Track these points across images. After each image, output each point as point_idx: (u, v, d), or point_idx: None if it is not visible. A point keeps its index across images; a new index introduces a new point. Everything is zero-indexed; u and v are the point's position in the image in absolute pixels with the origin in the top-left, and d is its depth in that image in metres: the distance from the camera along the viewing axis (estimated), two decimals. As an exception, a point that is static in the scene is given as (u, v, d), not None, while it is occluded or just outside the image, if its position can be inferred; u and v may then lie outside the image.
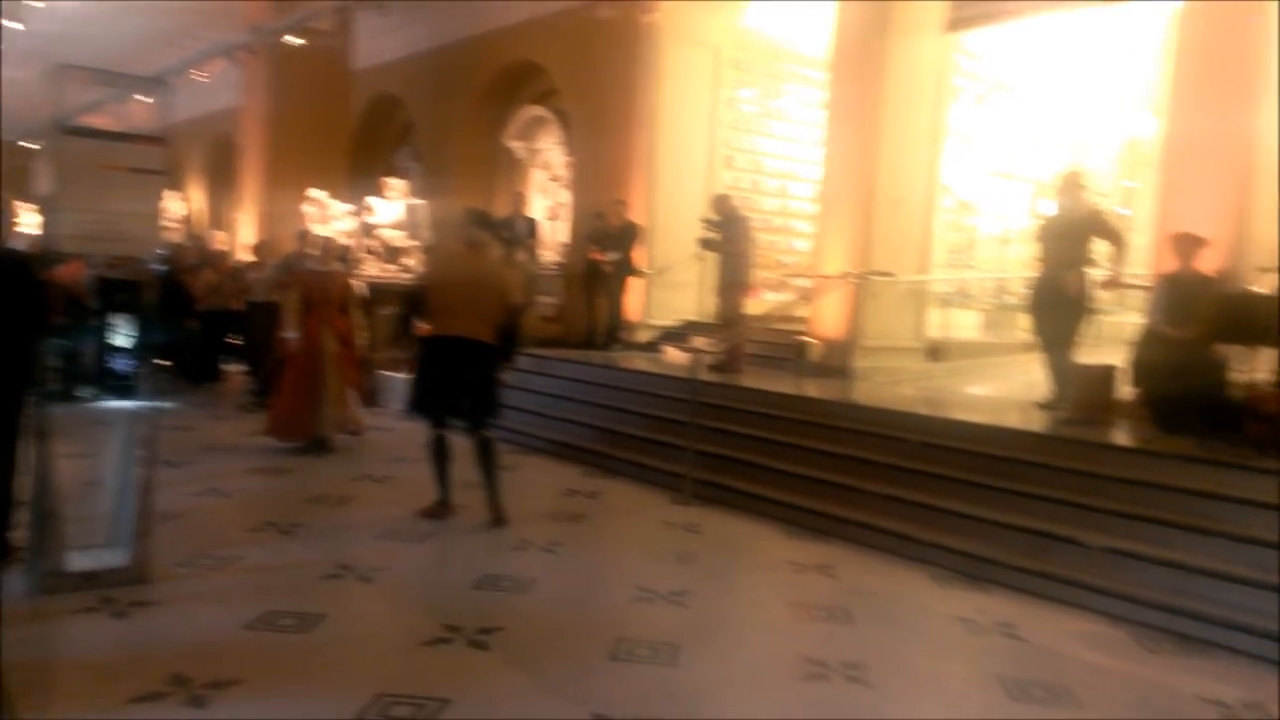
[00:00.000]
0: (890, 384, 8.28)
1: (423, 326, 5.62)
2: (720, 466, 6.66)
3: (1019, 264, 11.29)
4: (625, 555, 5.32)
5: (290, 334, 7.52)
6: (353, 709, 3.17)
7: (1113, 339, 8.49)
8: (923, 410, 6.82)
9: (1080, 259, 6.71)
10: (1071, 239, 6.70)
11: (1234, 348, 5.69)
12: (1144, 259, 7.37)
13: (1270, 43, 6.22)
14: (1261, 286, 6.02)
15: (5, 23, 15.51)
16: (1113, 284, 6.96)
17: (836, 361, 8.27)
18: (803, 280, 9.92)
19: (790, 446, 6.65)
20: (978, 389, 8.19)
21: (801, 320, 9.10)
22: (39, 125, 11.02)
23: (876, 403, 6.96)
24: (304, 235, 10.49)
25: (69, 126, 4.63)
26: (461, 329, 5.47)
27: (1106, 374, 6.35)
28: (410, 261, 11.54)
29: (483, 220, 5.84)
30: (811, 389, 7.86)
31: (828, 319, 8.87)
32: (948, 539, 5.30)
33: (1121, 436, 5.82)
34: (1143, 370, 6.04)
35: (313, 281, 7.71)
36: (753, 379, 8.23)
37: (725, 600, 4.62)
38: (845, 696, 3.53)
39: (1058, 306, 6.72)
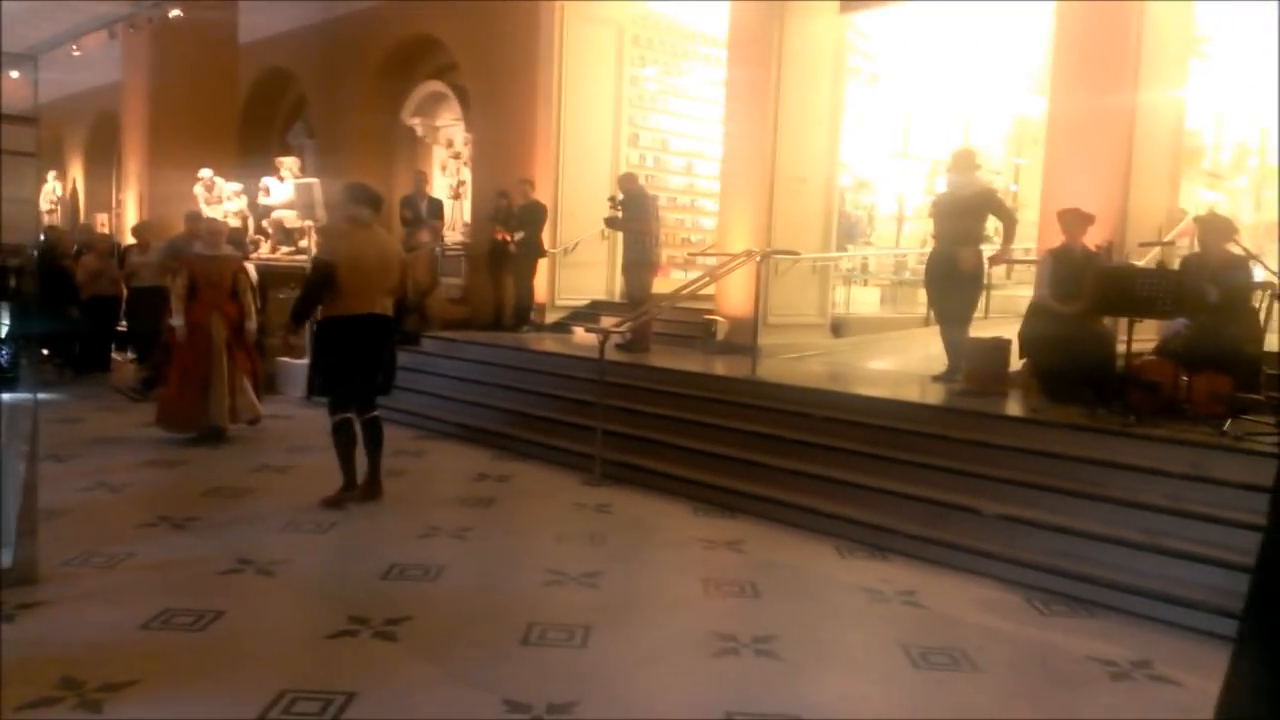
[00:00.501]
0: (795, 360, 8.44)
1: (328, 308, 5.50)
2: (630, 446, 6.69)
3: (915, 240, 11.64)
4: (536, 538, 5.30)
5: (177, 321, 7.21)
6: (255, 708, 3.08)
7: (1004, 312, 8.85)
8: (826, 385, 6.97)
9: (974, 235, 6.94)
10: (965, 216, 6.91)
11: (1117, 320, 5.96)
12: (1033, 234, 7.66)
13: (1147, 23, 6.51)
14: (1142, 260, 6.32)
15: None
16: (1003, 259, 7.20)
17: (742, 339, 8.36)
18: (708, 259, 9.99)
19: (698, 424, 6.72)
20: (879, 363, 8.41)
21: (708, 299, 9.18)
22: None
23: (781, 379, 7.07)
24: (192, 217, 10.09)
25: (-69, 105, 4.34)
26: (371, 306, 5.50)
27: (999, 347, 6.59)
28: (304, 243, 11.19)
29: (366, 195, 5.68)
30: (718, 367, 7.95)
31: (734, 297, 8.97)
32: (851, 511, 5.44)
33: (1013, 407, 6.06)
34: (1031, 343, 6.29)
35: (201, 266, 7.40)
36: (661, 358, 8.28)
37: (636, 580, 4.65)
38: (756, 670, 3.59)
39: (952, 281, 6.93)
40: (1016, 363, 6.49)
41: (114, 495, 5.79)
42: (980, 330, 7.11)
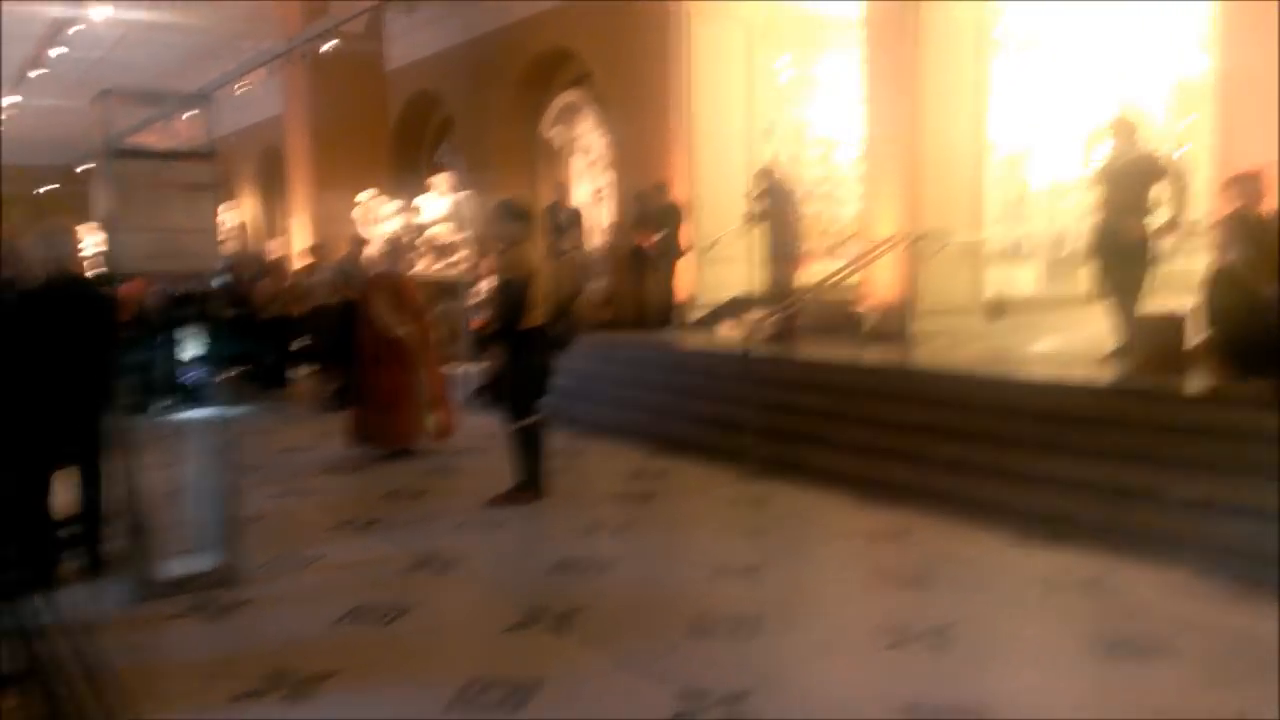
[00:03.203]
0: (950, 346, 8.17)
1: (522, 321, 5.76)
2: (784, 440, 6.64)
3: (1075, 214, 11.06)
4: (697, 533, 5.35)
5: (400, 331, 7.27)
6: (446, 696, 3.25)
7: (1177, 285, 8.30)
8: (987, 371, 6.73)
9: (1140, 204, 6.54)
10: (1129, 183, 6.53)
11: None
12: (1204, 200, 7.16)
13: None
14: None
15: (50, 52, 15.90)
16: (1173, 228, 6.77)
17: (893, 327, 8.17)
18: (853, 247, 9.81)
19: (853, 416, 6.61)
20: (1041, 345, 8.04)
21: (855, 287, 9.02)
22: (92, 149, 11.31)
23: (938, 366, 6.88)
24: (356, 238, 10.64)
25: (121, 148, 4.74)
26: (542, 318, 5.80)
27: (1173, 322, 6.19)
28: (455, 257, 11.63)
29: (518, 211, 5.95)
30: (870, 356, 7.79)
31: (882, 284, 8.77)
32: (1022, 499, 5.24)
33: (1193, 385, 5.69)
34: (1216, 313, 5.87)
35: (392, 285, 7.55)
36: (810, 350, 8.19)
37: (801, 573, 4.63)
38: (932, 662, 3.51)
39: (1119, 253, 6.56)
40: (1193, 339, 6.08)
41: (302, 501, 6.20)
42: (1152, 305, 6.70)
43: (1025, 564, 4.60)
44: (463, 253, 11.29)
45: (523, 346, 5.81)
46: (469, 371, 9.25)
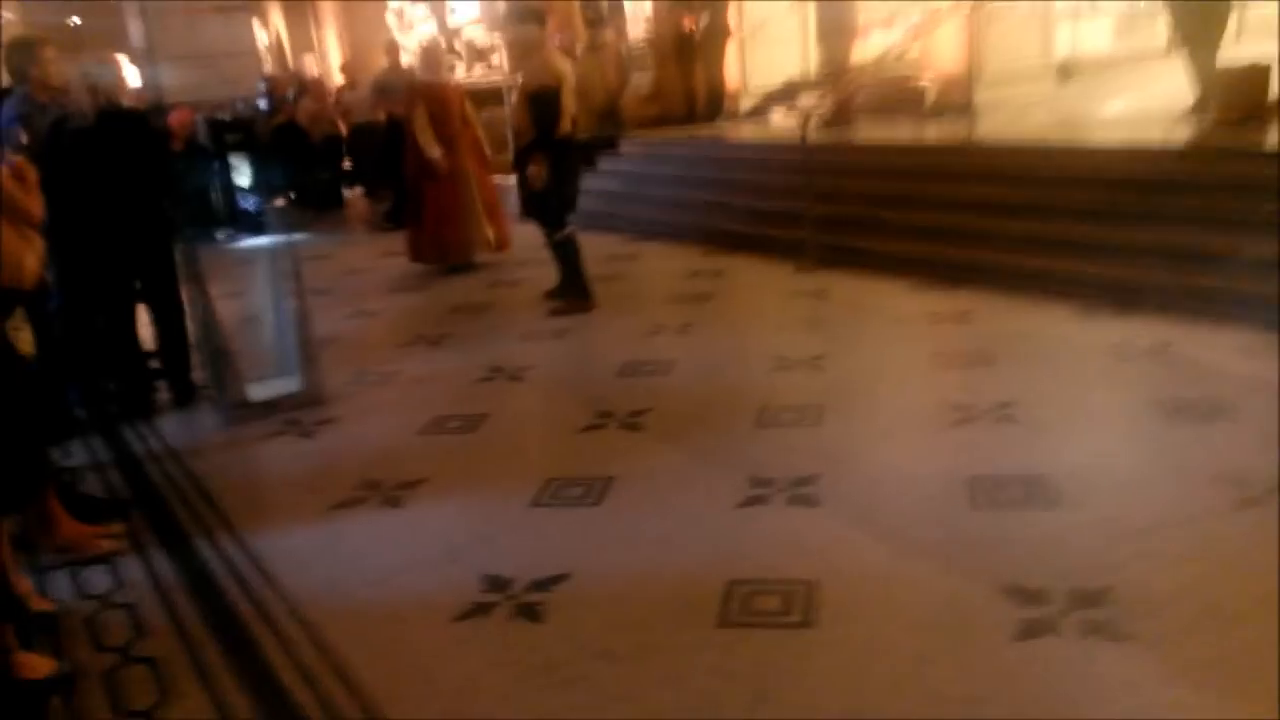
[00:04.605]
0: (1017, 116, 7.80)
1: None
2: (842, 228, 6.54)
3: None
4: (757, 327, 5.40)
5: (435, 152, 7.11)
6: (530, 493, 3.44)
7: (1262, 29, 7.69)
8: (1054, 140, 6.44)
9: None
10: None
11: None
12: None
13: None
14: None
15: None
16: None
17: (957, 100, 7.80)
18: (913, 15, 9.22)
19: (913, 198, 6.45)
20: (1114, 105, 7.63)
21: (915, 60, 8.54)
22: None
23: (1002, 139, 6.61)
24: (391, 47, 10.33)
25: (150, -28, 4.59)
26: (570, 122, 5.64)
27: (1256, 71, 5.79)
28: (495, 59, 11.26)
29: (532, 13, 5.75)
30: (931, 133, 7.50)
31: (943, 54, 8.29)
32: (1090, 270, 5.14)
33: (1275, 139, 5.38)
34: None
35: (428, 94, 7.29)
36: (867, 131, 7.90)
37: (863, 359, 4.68)
38: (997, 435, 3.59)
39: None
40: (1277, 89, 5.70)
41: (373, 320, 6.39)
42: (1233, 52, 6.25)
43: (1091, 336, 4.57)
44: (499, 55, 10.91)
45: (555, 157, 5.66)
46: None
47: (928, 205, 6.32)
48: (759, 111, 10.24)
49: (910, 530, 2.94)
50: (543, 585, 2.80)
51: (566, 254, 5.88)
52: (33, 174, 3.06)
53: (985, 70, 7.96)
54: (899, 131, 7.62)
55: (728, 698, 2.25)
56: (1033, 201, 5.76)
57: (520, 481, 3.55)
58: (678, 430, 3.96)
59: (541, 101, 5.60)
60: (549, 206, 5.77)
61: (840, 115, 8.14)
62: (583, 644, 2.52)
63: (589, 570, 2.89)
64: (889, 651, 2.37)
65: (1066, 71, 8.60)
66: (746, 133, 9.26)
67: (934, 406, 3.93)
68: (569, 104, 5.59)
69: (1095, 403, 3.85)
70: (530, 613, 2.68)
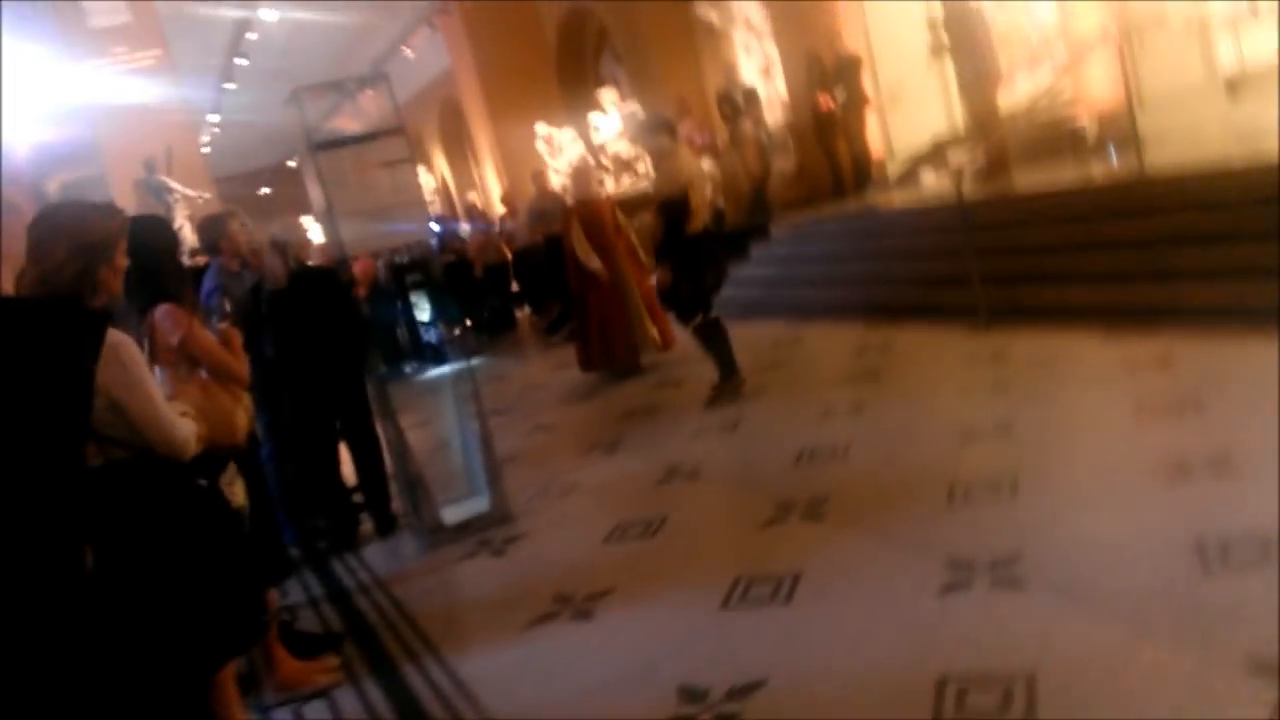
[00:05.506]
0: (1190, 138, 7.32)
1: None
2: (1012, 283, 6.26)
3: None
4: (935, 399, 5.20)
5: (596, 264, 7.41)
6: (719, 595, 3.38)
7: None
8: (1235, 162, 5.98)
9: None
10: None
11: None
12: None
13: None
14: None
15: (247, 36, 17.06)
16: None
17: (1119, 132, 7.41)
18: (1057, 52, 8.92)
19: (1087, 242, 6.11)
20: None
21: (1069, 98, 8.22)
22: (296, 145, 12.20)
23: (1176, 168, 6.19)
24: (539, 174, 10.91)
25: (320, 141, 5.07)
26: (703, 221, 5.95)
27: None
28: (641, 168, 11.66)
29: (661, 124, 6.29)
30: (1096, 173, 7.14)
31: (1098, 86, 7.93)
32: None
33: None
34: None
35: (582, 211, 7.67)
36: (1027, 179, 7.61)
37: (1056, 420, 4.40)
38: (1218, 492, 3.26)
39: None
40: None
41: (550, 435, 6.58)
42: None
43: (1314, 368, 4.13)
44: (644, 163, 11.30)
45: (692, 254, 5.91)
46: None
47: (1106, 246, 5.97)
48: (908, 176, 10.08)
49: (1133, 607, 2.69)
50: (740, 694, 2.73)
51: (707, 339, 6.04)
52: (238, 338, 3.38)
53: (1146, 96, 7.54)
54: (1062, 174, 7.29)
55: (951, 809, 2.10)
56: (1221, 228, 5.34)
57: (707, 583, 3.50)
58: (864, 515, 3.83)
59: (668, 208, 5.89)
60: (680, 300, 6.02)
61: (995, 167, 7.90)
62: (788, 756, 2.43)
63: (787, 674, 2.79)
64: (1127, 748, 2.15)
65: (1236, 86, 8.04)
66: (898, 199, 9.12)
67: (1143, 465, 3.62)
68: (697, 205, 5.87)
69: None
70: (730, 725, 2.61)
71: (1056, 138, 8.28)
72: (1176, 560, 2.86)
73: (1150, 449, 3.77)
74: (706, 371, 6.31)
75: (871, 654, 2.81)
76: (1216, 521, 3.03)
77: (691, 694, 2.79)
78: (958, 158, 7.92)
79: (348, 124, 6.53)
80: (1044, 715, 2.31)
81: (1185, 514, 3.17)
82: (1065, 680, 2.42)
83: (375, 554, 4.94)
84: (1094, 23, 7.52)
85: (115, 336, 2.37)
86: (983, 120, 8.22)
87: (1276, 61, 8.60)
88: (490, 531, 4.72)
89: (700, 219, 5.91)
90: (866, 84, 10.08)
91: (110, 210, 2.62)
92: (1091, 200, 6.50)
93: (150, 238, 3.18)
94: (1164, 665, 2.40)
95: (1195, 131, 7.45)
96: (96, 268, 2.44)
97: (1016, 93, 9.23)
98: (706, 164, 6.22)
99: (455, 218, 14.11)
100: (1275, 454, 3.41)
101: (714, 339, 6.03)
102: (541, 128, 13.63)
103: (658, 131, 6.17)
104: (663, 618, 3.42)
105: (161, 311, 3.19)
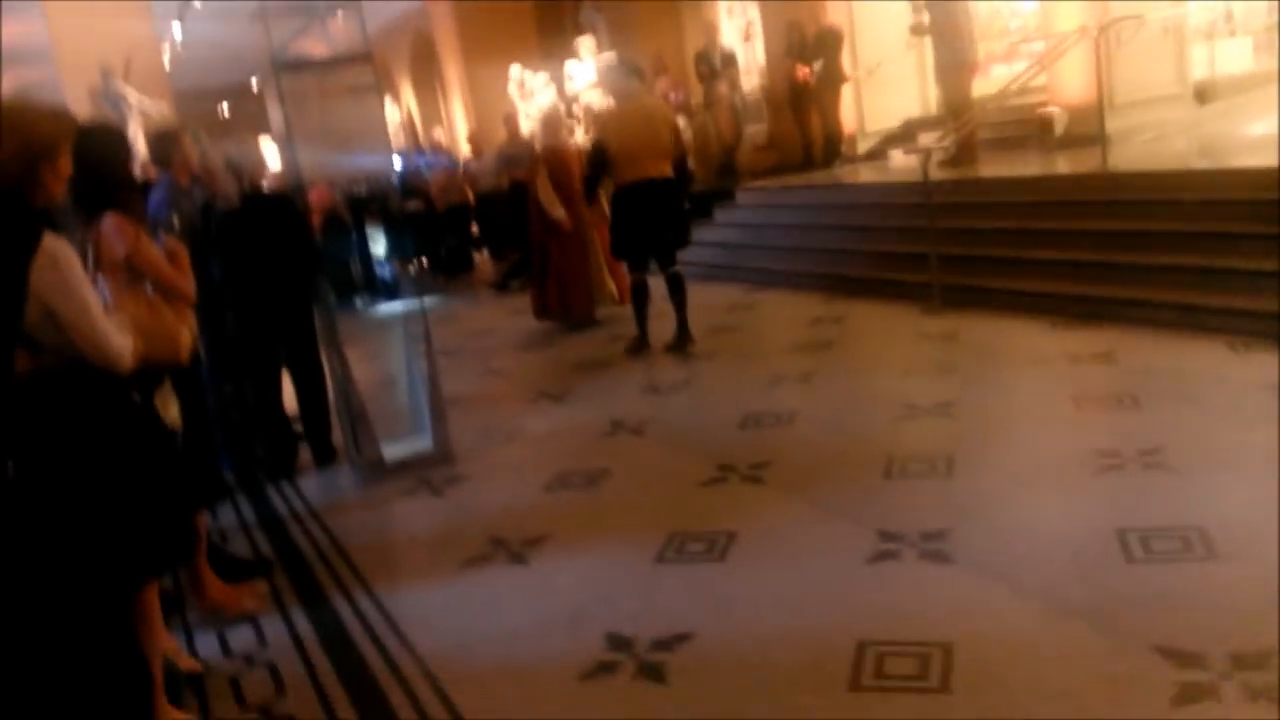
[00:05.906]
0: (1154, 141, 7.43)
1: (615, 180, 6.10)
2: (969, 268, 6.33)
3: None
4: (882, 374, 5.26)
5: (560, 213, 7.33)
6: (653, 549, 3.41)
7: None
8: (1196, 164, 6.10)
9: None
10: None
11: None
12: None
13: None
14: None
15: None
16: None
17: (1086, 129, 7.48)
18: (1034, 45, 8.95)
19: (1044, 233, 6.20)
20: (1259, 127, 7.16)
21: (1040, 90, 8.27)
22: (260, 64, 11.85)
23: (1140, 166, 6.29)
24: (510, 118, 10.73)
25: (285, 62, 4.92)
26: (646, 172, 5.93)
27: None
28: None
29: (628, 70, 6.38)
30: (1061, 165, 7.23)
31: (1070, 83, 7.99)
32: (1241, 302, 4.80)
33: None
34: None
35: (554, 160, 7.55)
36: (992, 167, 7.68)
37: (996, 404, 4.49)
38: (1145, 483, 3.36)
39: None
40: None
41: (499, 380, 6.55)
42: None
43: (1245, 373, 4.26)
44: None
45: (614, 206, 6.18)
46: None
47: (1062, 240, 6.07)
48: (877, 154, 10.10)
49: (1054, 588, 2.77)
50: (666, 645, 2.76)
51: (631, 296, 6.33)
52: (185, 254, 3.29)
53: (1117, 97, 7.61)
54: (1027, 165, 7.37)
55: (860, 767, 2.15)
56: (1175, 230, 5.45)
57: (643, 537, 3.52)
58: (801, 483, 3.88)
59: (591, 154, 6.25)
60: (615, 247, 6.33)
61: (963, 153, 7.94)
62: (707, 707, 2.47)
63: (713, 629, 2.83)
64: (1034, 720, 2.22)
65: (1204, 93, 8.15)
66: (865, 176, 9.14)
67: (1075, 453, 3.71)
68: (618, 158, 6.01)
69: (1253, 446, 3.55)
70: (654, 673, 2.64)
71: (1025, 128, 8.35)
72: (1099, 547, 2.94)
73: (1084, 438, 3.87)
74: (662, 328, 6.32)
75: (797, 615, 2.86)
76: (1141, 513, 3.12)
77: (618, 642, 2.82)
78: (927, 140, 7.95)
79: (315, 48, 6.34)
80: (958, 684, 2.38)
81: (1112, 503, 3.26)
82: (981, 653, 2.48)
83: (311, 484, 4.89)
84: (1075, 21, 7.54)
85: (53, 242, 2.29)
86: (956, 107, 8.23)
87: (1246, 71, 8.75)
88: (431, 471, 4.70)
89: (626, 173, 5.99)
90: (845, 59, 10.03)
91: (59, 112, 2.52)
92: (1052, 192, 6.59)
93: (101, 145, 3.07)
94: (1078, 645, 2.48)
95: (1160, 135, 7.55)
96: (39, 168, 2.35)
97: (990, 84, 9.27)
98: (681, 121, 6.20)
99: (420, 150, 13.82)
100: (1203, 452, 3.52)
101: (638, 297, 6.25)
102: (516, 70, 13.36)
103: (629, 76, 6.23)
104: (596, 567, 3.44)
105: (108, 222, 3.09)
